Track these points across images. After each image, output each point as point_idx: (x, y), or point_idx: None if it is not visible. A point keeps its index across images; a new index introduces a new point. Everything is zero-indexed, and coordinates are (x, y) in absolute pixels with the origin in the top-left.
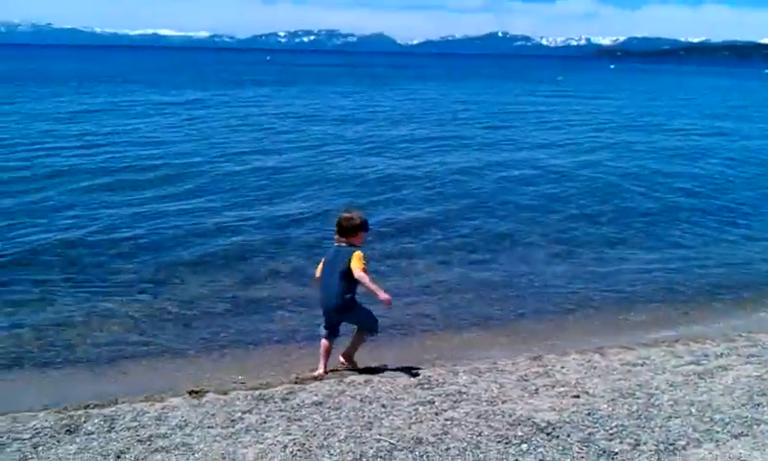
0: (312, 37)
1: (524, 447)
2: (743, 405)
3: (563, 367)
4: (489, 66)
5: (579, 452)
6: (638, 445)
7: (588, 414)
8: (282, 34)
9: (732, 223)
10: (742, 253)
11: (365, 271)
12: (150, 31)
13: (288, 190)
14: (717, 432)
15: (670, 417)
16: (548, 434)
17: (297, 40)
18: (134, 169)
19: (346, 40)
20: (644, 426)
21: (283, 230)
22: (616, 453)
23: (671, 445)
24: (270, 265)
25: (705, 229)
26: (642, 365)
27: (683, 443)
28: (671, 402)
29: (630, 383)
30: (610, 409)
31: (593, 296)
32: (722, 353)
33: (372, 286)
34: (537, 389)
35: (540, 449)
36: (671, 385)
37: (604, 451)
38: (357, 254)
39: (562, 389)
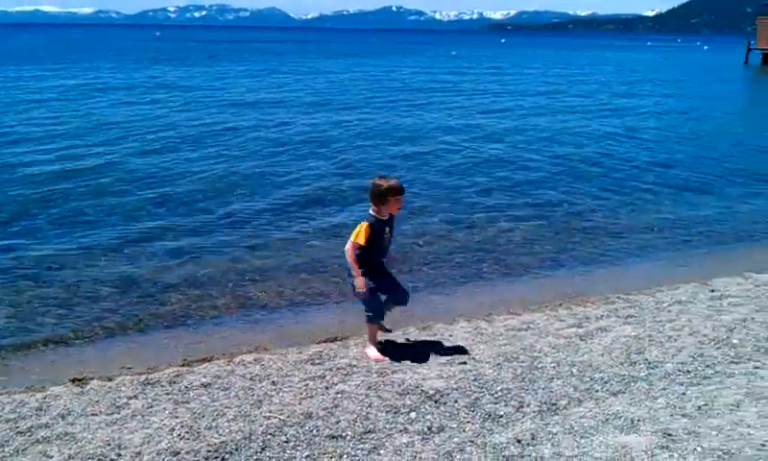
0: (203, 12)
1: (413, 415)
2: (621, 364)
3: (451, 335)
4: (386, 42)
5: (465, 417)
6: (522, 406)
7: (475, 379)
8: (172, 9)
9: (608, 190)
10: (622, 221)
11: (354, 245)
12: (30, 7)
13: (180, 174)
14: (597, 391)
15: (552, 378)
16: (436, 401)
17: (187, 15)
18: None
19: (238, 15)
20: (528, 389)
21: (173, 213)
22: (501, 416)
23: (553, 405)
24: (156, 247)
25: (586, 197)
26: (527, 330)
27: (564, 402)
28: (554, 364)
29: (515, 348)
30: (495, 374)
31: (482, 266)
32: (602, 315)
33: (353, 266)
34: (426, 358)
35: (428, 417)
36: (554, 348)
37: (489, 415)
38: (360, 225)
39: (450, 357)
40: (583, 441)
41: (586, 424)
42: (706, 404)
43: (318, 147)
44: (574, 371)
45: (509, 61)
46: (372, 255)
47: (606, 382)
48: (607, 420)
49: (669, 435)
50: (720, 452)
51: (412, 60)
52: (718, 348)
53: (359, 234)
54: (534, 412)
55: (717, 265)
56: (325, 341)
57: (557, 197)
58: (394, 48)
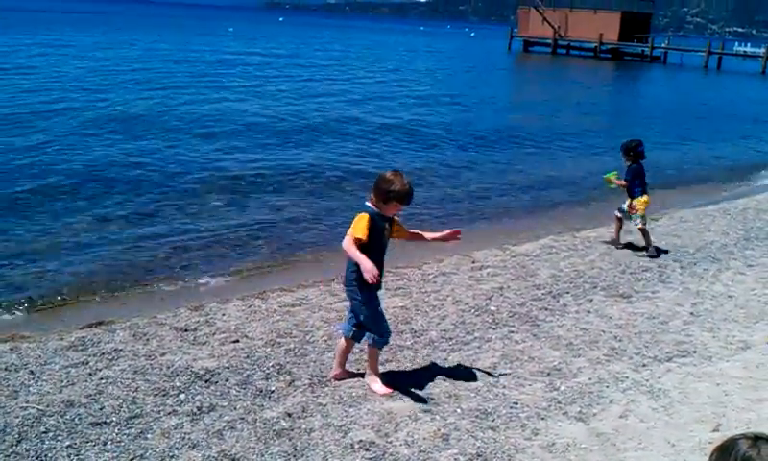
0: None
1: (182, 396)
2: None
3: (224, 314)
4: (157, 15)
5: (237, 394)
6: (294, 381)
7: (247, 357)
8: None
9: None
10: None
11: (354, 240)
12: None
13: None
14: (365, 361)
15: (324, 351)
16: (207, 381)
17: None
18: None
19: None
20: (300, 363)
21: None
22: (273, 391)
23: (324, 377)
24: None
25: (360, 176)
26: (300, 305)
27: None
28: (325, 338)
29: (288, 323)
30: (268, 350)
31: (259, 243)
32: None
33: (355, 254)
34: (197, 338)
35: (197, 397)
36: (325, 322)
37: (261, 391)
38: (358, 217)
39: (222, 336)
40: (351, 410)
41: (354, 394)
42: (465, 369)
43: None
44: None
45: (288, 40)
46: (370, 256)
47: (362, 351)
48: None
49: (432, 399)
50: (478, 412)
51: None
52: (478, 315)
53: (357, 227)
54: (305, 385)
55: (479, 239)
56: (89, 326)
57: (335, 175)
58: (167, 22)
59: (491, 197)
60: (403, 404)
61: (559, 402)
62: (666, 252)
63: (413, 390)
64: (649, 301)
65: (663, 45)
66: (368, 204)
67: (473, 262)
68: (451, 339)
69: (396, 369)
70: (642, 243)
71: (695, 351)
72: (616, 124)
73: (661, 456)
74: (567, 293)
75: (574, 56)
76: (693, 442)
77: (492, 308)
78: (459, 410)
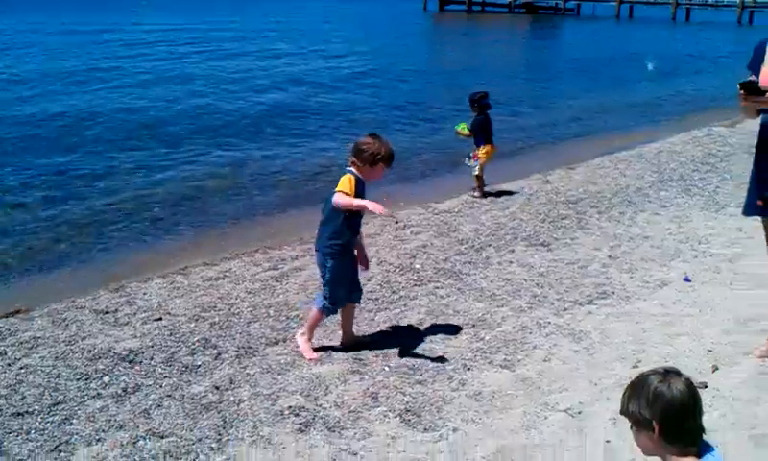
0: None
1: (106, 379)
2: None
3: (145, 293)
4: None
5: (162, 372)
6: (221, 354)
7: (171, 334)
8: None
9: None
10: (311, 169)
11: (344, 193)
12: None
13: None
14: (293, 328)
15: (250, 322)
16: (130, 361)
17: None
18: None
19: None
20: (225, 336)
21: None
22: (199, 366)
23: (251, 348)
24: None
25: (277, 147)
26: (224, 278)
27: (262, 344)
28: (251, 308)
29: (212, 297)
30: (192, 326)
31: (179, 220)
32: (297, 256)
33: (354, 202)
34: (118, 319)
35: (122, 378)
36: (250, 293)
37: (187, 367)
38: (344, 177)
39: (144, 315)
40: (280, 377)
41: (282, 361)
42: (392, 327)
43: None
44: (271, 312)
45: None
46: (350, 224)
47: (301, 319)
48: (302, 354)
49: (360, 360)
50: (406, 368)
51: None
52: (403, 274)
53: (345, 185)
54: (232, 358)
55: (404, 199)
56: (5, 316)
57: (240, 151)
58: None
59: (411, 158)
60: (332, 367)
61: (484, 352)
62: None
63: (341, 352)
64: (568, 247)
65: None
66: (350, 168)
67: (397, 222)
68: (377, 299)
69: (324, 333)
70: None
71: (614, 293)
72: (535, 79)
73: (585, 395)
74: (490, 245)
75: (489, 12)
76: (614, 379)
77: (417, 266)
78: (387, 368)
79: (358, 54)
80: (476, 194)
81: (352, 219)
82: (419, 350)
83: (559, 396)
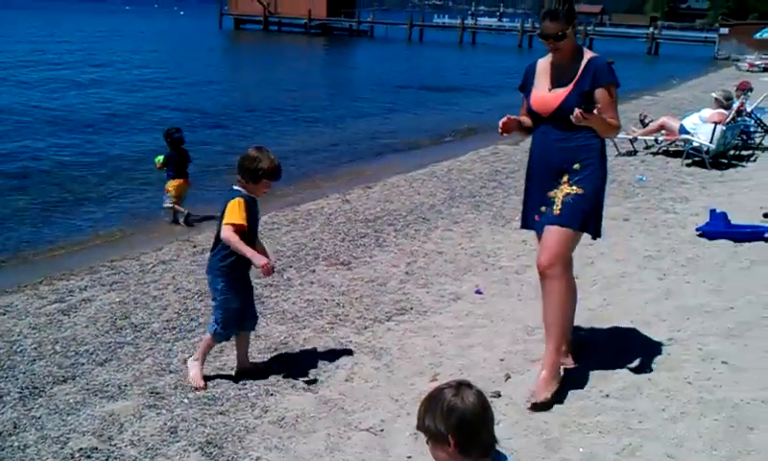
0: None
1: None
2: (107, 332)
3: None
4: None
5: None
6: (2, 397)
7: None
8: None
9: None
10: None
11: (235, 226)
12: None
13: None
14: (83, 364)
15: (35, 360)
16: None
17: None
18: None
19: None
20: (7, 377)
21: None
22: None
23: (36, 388)
24: None
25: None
26: (4, 314)
27: (48, 383)
28: (35, 345)
29: None
30: None
31: None
32: (86, 286)
33: (242, 248)
34: None
35: None
36: (34, 328)
37: None
38: (232, 203)
39: None
40: (69, 418)
41: (72, 401)
42: (190, 356)
43: None
44: (57, 348)
45: None
46: (248, 242)
47: (92, 354)
48: (94, 392)
49: (157, 393)
50: (206, 399)
51: None
52: (201, 300)
53: (234, 213)
54: (15, 400)
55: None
56: None
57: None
58: None
59: (202, 182)
60: (126, 403)
61: (287, 376)
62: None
63: (135, 386)
64: (368, 265)
65: (369, 19)
66: (236, 188)
67: (195, 246)
68: (174, 328)
69: (117, 367)
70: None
71: (412, 308)
72: (330, 97)
73: (386, 412)
74: (291, 267)
75: (286, 32)
76: (414, 394)
77: None
78: (186, 400)
79: (152, 69)
80: (171, 219)
81: (249, 240)
82: (219, 378)
83: (361, 415)
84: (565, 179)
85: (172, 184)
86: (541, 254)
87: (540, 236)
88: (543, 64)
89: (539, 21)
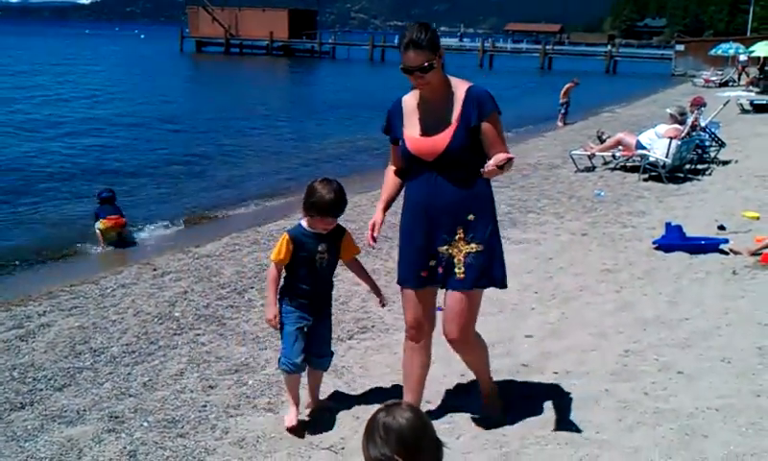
0: None
1: None
2: (65, 357)
3: None
4: None
5: None
6: None
7: None
8: None
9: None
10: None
11: (274, 263)
12: None
13: None
14: (41, 390)
15: None
16: None
17: None
18: None
19: None
20: None
21: None
22: None
23: None
24: None
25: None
26: None
27: (5, 409)
28: None
29: None
30: None
31: None
32: (45, 311)
33: (268, 290)
34: None
35: None
36: None
37: None
38: (281, 239)
39: None
40: (27, 444)
41: (29, 427)
42: (150, 380)
43: None
44: (15, 374)
45: None
46: (298, 281)
47: (50, 379)
48: (52, 417)
49: (116, 417)
50: (166, 422)
51: None
52: (161, 323)
53: (275, 249)
54: None
55: (161, 243)
56: None
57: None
58: None
59: (169, 201)
60: (85, 428)
61: (248, 397)
62: None
63: (95, 412)
64: None
65: (331, 41)
66: (301, 220)
67: (155, 269)
68: (134, 352)
69: (75, 393)
70: None
71: (373, 326)
72: (295, 119)
73: (347, 430)
74: (252, 287)
75: (248, 54)
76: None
77: (177, 314)
78: (146, 423)
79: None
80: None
81: (301, 268)
82: (179, 401)
83: (323, 435)
84: (460, 233)
85: (103, 223)
86: (451, 324)
87: (425, 294)
88: (410, 102)
89: (400, 53)
